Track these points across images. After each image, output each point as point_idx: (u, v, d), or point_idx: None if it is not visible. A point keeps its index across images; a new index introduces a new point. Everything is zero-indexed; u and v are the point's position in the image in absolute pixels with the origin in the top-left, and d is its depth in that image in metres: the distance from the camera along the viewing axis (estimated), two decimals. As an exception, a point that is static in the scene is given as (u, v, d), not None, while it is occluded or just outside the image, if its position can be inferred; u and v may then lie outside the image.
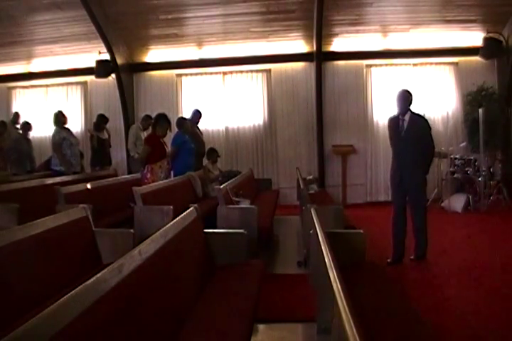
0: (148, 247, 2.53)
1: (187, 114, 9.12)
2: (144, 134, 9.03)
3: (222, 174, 8.50)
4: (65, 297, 1.65)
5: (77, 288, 1.75)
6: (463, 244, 6.56)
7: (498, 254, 5.77)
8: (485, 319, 3.76)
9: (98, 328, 1.75)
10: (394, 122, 5.72)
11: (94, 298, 1.79)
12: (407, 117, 5.58)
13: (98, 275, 1.92)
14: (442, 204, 9.23)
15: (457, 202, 8.96)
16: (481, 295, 4.35)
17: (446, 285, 4.71)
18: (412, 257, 5.52)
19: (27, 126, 9.35)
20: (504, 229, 7.40)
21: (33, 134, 9.78)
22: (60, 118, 8.27)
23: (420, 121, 5.63)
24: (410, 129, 5.55)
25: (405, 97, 5.62)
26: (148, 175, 6.73)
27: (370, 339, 1.58)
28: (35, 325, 1.45)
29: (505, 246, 6.18)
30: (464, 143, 9.78)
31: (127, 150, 9.35)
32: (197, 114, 8.71)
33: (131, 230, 4.27)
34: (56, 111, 8.37)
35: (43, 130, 10.53)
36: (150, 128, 8.81)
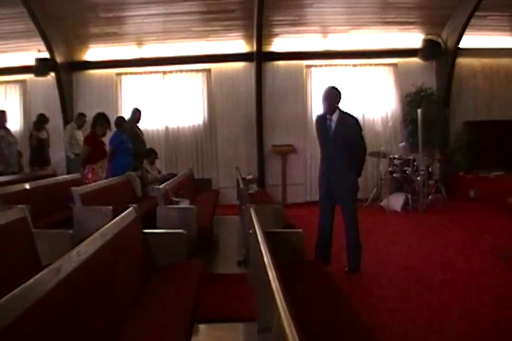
0: (86, 248, 2.52)
1: (127, 113, 9.03)
2: (80, 133, 8.91)
3: (161, 174, 8.42)
4: (3, 299, 1.63)
5: (16, 290, 1.72)
6: (401, 242, 6.61)
7: (436, 253, 5.86)
8: (420, 316, 3.83)
9: (37, 330, 1.74)
10: (321, 122, 5.32)
11: (32, 299, 1.77)
12: (335, 117, 5.16)
13: (37, 276, 1.90)
14: (381, 204, 9.30)
15: (396, 202, 9.03)
16: (417, 293, 4.41)
17: (384, 282, 4.76)
18: (346, 269, 5.18)
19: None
20: (442, 227, 7.49)
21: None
22: (1, 118, 8.18)
23: (350, 120, 5.21)
24: (339, 130, 5.12)
25: (333, 95, 5.20)
26: (90, 175, 6.69)
27: (310, 337, 1.58)
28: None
29: (442, 245, 6.26)
30: (402, 143, 9.86)
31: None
32: (136, 113, 8.60)
33: (70, 231, 4.26)
34: (-4, 110, 8.29)
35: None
36: (85, 127, 8.72)
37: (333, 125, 5.14)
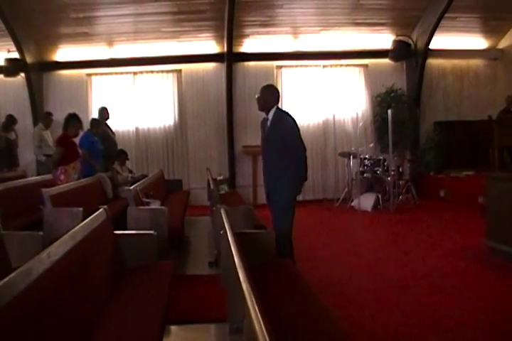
0: (57, 250, 2.50)
1: (97, 114, 8.95)
2: (48, 133, 8.84)
3: (133, 175, 8.38)
4: None
5: None
6: (371, 242, 6.64)
7: (405, 252, 5.91)
8: (392, 314, 3.85)
9: (7, 331, 1.72)
10: (262, 122, 5.04)
11: (2, 302, 1.75)
12: (270, 116, 4.82)
13: (6, 279, 1.88)
14: (352, 204, 9.35)
15: (367, 202, 9.08)
16: (387, 291, 4.45)
17: (355, 282, 4.77)
18: None
19: None
20: (412, 227, 7.59)
21: None
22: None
23: (285, 121, 4.79)
24: (272, 130, 4.78)
25: (268, 93, 4.90)
26: (62, 177, 6.65)
27: (280, 338, 1.60)
28: None
29: (412, 244, 6.33)
30: (372, 144, 9.91)
31: (36, 153, 9.15)
32: (103, 111, 8.55)
33: (41, 232, 4.21)
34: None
35: None
36: (52, 126, 8.64)
37: (268, 125, 4.84)
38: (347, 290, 4.51)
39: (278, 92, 5.01)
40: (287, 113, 4.96)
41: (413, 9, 9.86)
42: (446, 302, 4.07)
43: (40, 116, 9.46)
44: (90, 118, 8.42)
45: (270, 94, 4.89)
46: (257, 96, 4.97)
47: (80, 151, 7.14)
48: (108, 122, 8.67)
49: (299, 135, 4.78)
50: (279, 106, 5.02)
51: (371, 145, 9.89)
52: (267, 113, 4.87)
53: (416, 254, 5.77)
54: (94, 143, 7.65)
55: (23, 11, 9.28)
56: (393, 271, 5.10)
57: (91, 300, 2.74)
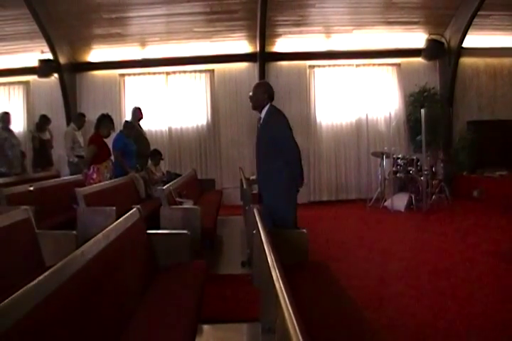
0: (90, 249, 2.51)
1: (130, 114, 9.00)
2: (79, 134, 8.87)
3: (166, 175, 8.42)
4: (7, 300, 1.63)
5: (20, 291, 1.72)
6: (405, 242, 6.59)
7: (441, 253, 5.83)
8: (425, 316, 3.80)
9: (41, 331, 1.73)
10: (257, 122, 4.90)
11: (37, 300, 1.76)
12: (263, 114, 4.68)
13: (40, 277, 1.89)
14: (385, 204, 9.29)
15: (400, 202, 9.03)
16: (422, 293, 4.38)
17: (388, 283, 4.73)
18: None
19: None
20: (446, 227, 7.47)
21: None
22: (4, 119, 8.24)
23: (276, 118, 4.64)
24: (263, 129, 4.68)
25: (259, 90, 4.72)
26: (94, 176, 6.66)
27: (313, 338, 1.57)
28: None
29: (446, 245, 6.24)
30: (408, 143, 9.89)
31: (69, 153, 9.21)
32: (137, 111, 8.53)
33: (74, 232, 4.24)
34: (2, 111, 8.34)
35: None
36: (84, 127, 8.67)
37: (260, 123, 4.74)
38: (380, 291, 4.47)
39: (271, 90, 4.74)
40: (280, 111, 4.75)
41: (446, 7, 9.77)
42: (486, 308, 3.97)
43: (73, 116, 9.50)
44: (123, 119, 8.45)
45: (262, 92, 4.69)
46: (249, 95, 4.79)
47: (111, 151, 7.16)
48: (141, 122, 8.67)
49: (291, 134, 4.60)
50: (275, 104, 4.82)
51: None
52: (260, 111, 4.72)
53: (454, 256, 5.68)
54: (128, 145, 7.66)
55: (57, 12, 9.36)
56: (429, 273, 5.02)
57: (124, 298, 2.75)
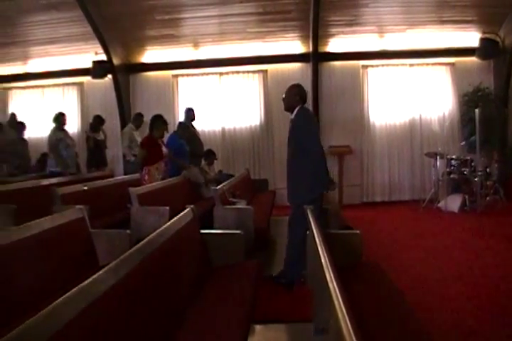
0: (144, 248, 2.53)
1: (183, 114, 9.09)
2: (137, 133, 8.97)
3: (219, 175, 8.50)
4: (61, 298, 1.65)
5: (74, 289, 1.75)
6: (460, 244, 6.53)
7: (496, 255, 5.77)
8: (482, 318, 3.76)
9: (95, 329, 1.75)
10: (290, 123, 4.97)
11: (90, 299, 1.79)
12: (293, 116, 4.82)
13: (95, 276, 1.92)
14: (439, 205, 9.23)
15: (454, 203, 8.97)
16: (479, 295, 4.34)
17: (443, 285, 4.70)
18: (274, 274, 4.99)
19: (21, 126, 9.30)
20: (501, 229, 7.38)
21: (29, 135, 9.75)
22: (60, 120, 8.31)
23: (303, 119, 4.74)
24: (291, 130, 4.80)
25: (291, 93, 4.88)
26: (146, 177, 6.71)
27: (367, 339, 1.58)
28: (32, 326, 1.45)
29: (502, 247, 6.18)
30: (463, 143, 9.81)
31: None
32: (190, 112, 8.62)
33: (128, 231, 4.27)
34: (57, 112, 8.42)
35: (39, 131, 10.46)
36: (142, 127, 8.77)
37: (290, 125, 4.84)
38: (437, 293, 4.43)
39: (303, 92, 4.89)
40: (309, 113, 4.94)
41: (500, 6, 9.63)
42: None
43: (132, 117, 9.55)
44: (177, 120, 8.51)
45: (294, 95, 4.84)
46: (282, 97, 4.95)
47: (164, 151, 7.13)
48: (194, 123, 8.74)
49: (317, 136, 4.74)
50: (306, 105, 4.98)
51: (462, 143, 9.79)
52: (292, 113, 4.84)
53: (510, 259, 5.60)
54: (181, 146, 7.71)
55: (110, 14, 9.45)
56: (485, 276, 4.95)
57: (177, 298, 2.76)
